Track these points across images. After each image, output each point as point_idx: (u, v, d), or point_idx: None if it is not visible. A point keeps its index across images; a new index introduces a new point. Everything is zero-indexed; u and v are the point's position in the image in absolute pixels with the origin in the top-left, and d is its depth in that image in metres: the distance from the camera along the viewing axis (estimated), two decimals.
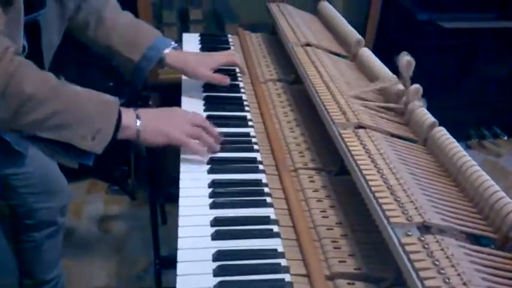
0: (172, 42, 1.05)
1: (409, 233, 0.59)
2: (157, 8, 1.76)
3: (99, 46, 1.04)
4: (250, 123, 1.00)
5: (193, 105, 1.04)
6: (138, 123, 0.81)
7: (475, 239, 0.64)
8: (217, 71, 1.10)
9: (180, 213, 0.73)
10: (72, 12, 0.97)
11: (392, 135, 0.84)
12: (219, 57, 1.10)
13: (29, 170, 1.08)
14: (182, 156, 0.87)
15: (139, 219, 1.91)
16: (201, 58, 1.09)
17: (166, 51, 1.03)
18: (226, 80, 1.08)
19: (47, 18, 0.86)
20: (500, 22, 2.18)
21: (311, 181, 0.83)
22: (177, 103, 1.05)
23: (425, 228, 0.61)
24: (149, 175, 1.50)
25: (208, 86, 1.11)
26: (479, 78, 2.36)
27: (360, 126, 0.82)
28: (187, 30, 1.79)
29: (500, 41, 2.20)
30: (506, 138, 2.51)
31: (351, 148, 0.75)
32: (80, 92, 0.77)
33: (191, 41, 1.37)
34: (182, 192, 0.77)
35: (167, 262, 1.49)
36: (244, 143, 0.93)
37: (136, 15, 1.62)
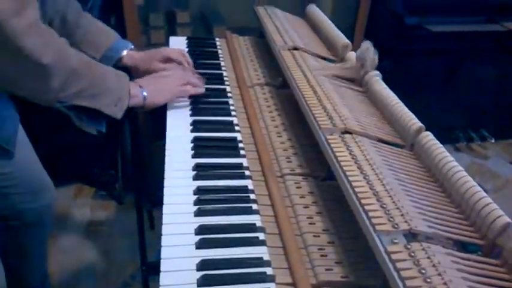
0: (130, 44, 1.16)
1: (395, 241, 0.59)
2: (144, 10, 1.74)
3: None
4: (236, 128, 0.99)
5: (179, 110, 1.03)
6: (144, 91, 0.95)
7: (462, 246, 0.64)
8: (204, 74, 1.15)
9: (163, 221, 0.71)
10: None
11: (380, 140, 0.83)
12: (167, 51, 1.19)
13: (14, 169, 1.06)
14: (167, 161, 0.85)
15: (126, 224, 1.88)
16: (150, 53, 1.17)
17: (124, 52, 1.13)
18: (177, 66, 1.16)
19: None
20: (488, 25, 2.19)
21: (298, 187, 0.83)
22: (163, 108, 1.05)
23: (411, 235, 0.60)
24: (135, 179, 1.48)
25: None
26: (467, 81, 2.37)
27: (346, 132, 0.81)
28: (174, 33, 1.77)
29: (487, 44, 2.22)
30: (493, 140, 2.53)
31: (337, 154, 0.74)
32: (100, 65, 0.91)
33: (178, 44, 1.35)
34: (166, 200, 0.76)
35: (155, 268, 1.47)
36: (230, 148, 0.92)
37: (122, 18, 1.61)
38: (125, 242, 1.81)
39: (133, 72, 1.15)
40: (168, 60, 1.15)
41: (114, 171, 2.01)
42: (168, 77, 1.05)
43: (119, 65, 1.12)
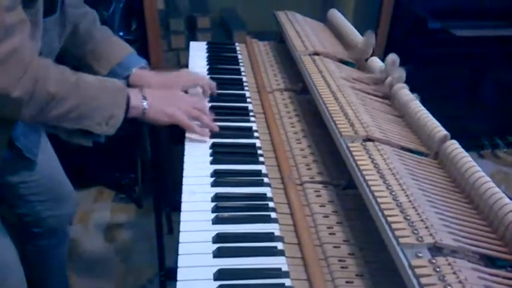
0: (143, 62, 1.07)
1: (420, 255, 0.56)
2: (165, 15, 1.75)
3: (70, 55, 1.03)
4: (255, 134, 0.98)
5: None
6: (145, 103, 0.88)
7: (490, 261, 0.61)
8: (223, 79, 1.11)
9: (181, 228, 0.71)
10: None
11: (402, 148, 0.81)
12: (184, 80, 1.07)
13: (37, 178, 1.08)
14: (185, 167, 0.85)
15: (145, 227, 1.89)
16: (165, 80, 1.06)
17: (134, 70, 1.04)
18: None
19: (48, 23, 0.86)
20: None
21: (318, 195, 0.81)
22: None
23: (436, 249, 0.58)
24: (154, 183, 1.48)
25: (214, 96, 1.10)
26: (491, 86, 2.31)
27: (368, 139, 0.79)
28: (195, 38, 1.78)
29: None
30: None
31: (359, 162, 0.72)
32: (93, 83, 0.84)
33: (198, 49, 1.35)
34: (184, 206, 0.75)
35: (173, 273, 1.47)
36: (249, 155, 0.91)
37: (143, 22, 1.62)
38: (143, 245, 1.82)
39: None
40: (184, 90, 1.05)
41: (134, 175, 2.03)
42: (179, 100, 0.95)
43: (127, 84, 1.03)
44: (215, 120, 0.99)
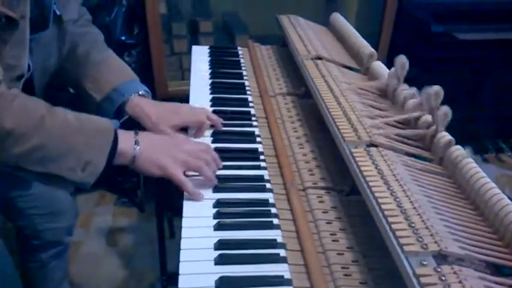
0: (143, 89, 0.96)
1: (425, 263, 0.55)
2: (167, 19, 1.75)
3: (67, 77, 0.98)
4: (258, 139, 0.97)
5: None
6: (137, 148, 0.77)
7: (496, 269, 0.60)
8: (226, 83, 1.09)
9: (182, 234, 0.70)
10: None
11: (407, 153, 0.80)
12: (185, 116, 0.95)
13: (35, 191, 1.07)
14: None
15: (147, 231, 1.88)
16: (165, 113, 0.94)
17: (131, 97, 0.93)
18: None
19: (42, 39, 0.84)
20: None
21: (320, 201, 0.80)
22: None
23: (441, 257, 0.57)
24: (156, 187, 1.47)
25: (216, 101, 1.09)
26: (495, 90, 2.30)
27: (372, 144, 0.78)
28: (197, 43, 1.77)
29: None
30: None
31: (362, 168, 0.71)
32: (70, 122, 0.73)
33: (200, 54, 1.35)
34: (185, 212, 0.74)
35: (175, 278, 1.46)
36: (251, 159, 0.90)
37: (146, 27, 1.62)
38: (145, 249, 1.81)
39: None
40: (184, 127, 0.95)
41: (136, 179, 2.02)
42: (178, 148, 0.81)
43: (123, 113, 0.94)
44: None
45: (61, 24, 0.88)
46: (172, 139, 0.85)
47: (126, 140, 0.77)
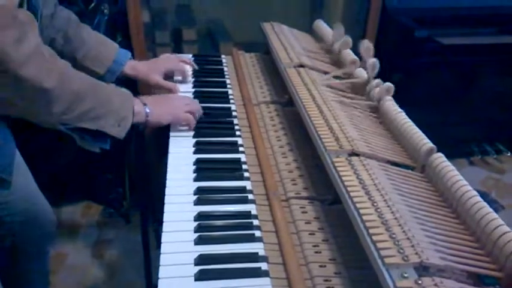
0: (129, 54, 1.15)
1: (405, 275, 0.55)
2: (150, 28, 1.74)
3: (66, 59, 1.02)
4: (241, 148, 0.96)
5: (182, 131, 1.01)
6: (147, 109, 0.94)
7: (478, 279, 0.60)
8: (209, 92, 1.16)
9: (162, 250, 0.68)
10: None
11: (389, 161, 0.80)
12: (164, 64, 1.20)
13: (13, 198, 1.05)
14: (168, 185, 0.83)
15: (133, 242, 1.85)
16: (151, 66, 1.18)
17: (126, 63, 1.13)
18: (176, 88, 1.16)
19: None
20: (499, 37, 2.15)
21: (303, 212, 0.79)
22: (167, 127, 1.03)
23: (423, 268, 0.56)
24: (141, 198, 1.46)
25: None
26: (480, 93, 2.32)
27: (353, 153, 0.78)
28: (181, 51, 1.76)
29: (499, 56, 2.17)
30: (509, 154, 2.46)
31: (343, 178, 0.70)
32: (104, 86, 0.89)
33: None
34: (166, 227, 0.73)
35: None
36: (234, 170, 0.89)
37: (128, 35, 1.61)
38: (131, 260, 1.78)
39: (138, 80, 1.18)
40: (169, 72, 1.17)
41: (122, 189, 1.99)
42: (174, 100, 1.05)
43: (120, 76, 1.14)
44: (199, 135, 0.99)
45: (41, 19, 0.91)
46: (168, 96, 1.09)
47: (137, 102, 0.94)
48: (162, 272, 0.64)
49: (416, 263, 0.56)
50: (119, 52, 1.13)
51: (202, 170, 0.87)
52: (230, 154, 0.94)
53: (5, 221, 1.07)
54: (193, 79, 1.24)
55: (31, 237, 1.13)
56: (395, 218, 0.62)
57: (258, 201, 0.82)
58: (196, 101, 1.08)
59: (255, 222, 0.76)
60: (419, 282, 0.53)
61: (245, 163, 0.92)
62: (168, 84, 1.16)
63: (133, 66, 1.15)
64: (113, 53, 1.12)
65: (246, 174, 0.88)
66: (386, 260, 0.56)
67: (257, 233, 0.73)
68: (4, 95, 0.76)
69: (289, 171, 0.90)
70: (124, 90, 0.94)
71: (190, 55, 1.39)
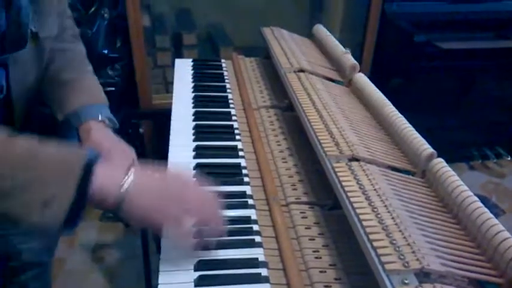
0: (105, 116, 0.87)
1: (406, 281, 0.54)
2: (150, 32, 1.74)
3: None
4: (241, 153, 0.96)
5: (182, 134, 1.01)
6: (124, 188, 0.59)
7: (479, 284, 0.59)
8: (209, 96, 1.09)
9: (161, 255, 0.68)
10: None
11: (389, 167, 0.80)
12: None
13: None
14: None
15: (133, 247, 1.85)
16: (105, 144, 0.83)
17: (86, 121, 0.85)
18: None
19: (20, 57, 0.80)
20: (498, 42, 2.16)
21: (303, 217, 0.79)
22: (168, 131, 1.02)
23: (423, 274, 0.56)
24: None
25: (199, 114, 1.08)
26: (479, 98, 2.33)
27: (354, 159, 0.78)
28: (181, 55, 1.76)
29: (499, 60, 2.18)
30: (509, 158, 2.46)
31: (343, 184, 0.70)
32: (37, 151, 0.59)
33: (183, 67, 1.34)
34: (165, 232, 0.73)
35: None
36: (234, 175, 0.89)
37: (128, 39, 1.61)
38: (131, 265, 1.78)
39: None
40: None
41: None
42: (177, 201, 0.65)
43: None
44: (199, 140, 0.97)
45: (38, 41, 0.84)
46: (173, 182, 0.68)
47: (112, 172, 0.61)
48: (162, 277, 0.64)
49: (417, 269, 0.56)
50: (89, 105, 0.87)
51: (202, 174, 0.87)
52: (230, 159, 0.94)
53: (2, 233, 1.06)
54: (193, 84, 1.24)
55: (30, 249, 1.12)
56: (396, 224, 0.62)
57: (258, 206, 0.81)
58: (219, 202, 0.68)
59: (255, 227, 0.76)
60: None
61: (245, 168, 0.91)
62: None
63: (87, 131, 0.84)
64: (80, 102, 0.87)
65: (246, 179, 0.88)
66: (387, 266, 0.56)
67: (257, 238, 0.73)
68: None
69: (289, 176, 0.89)
70: (75, 152, 0.61)
71: (190, 60, 1.40)
